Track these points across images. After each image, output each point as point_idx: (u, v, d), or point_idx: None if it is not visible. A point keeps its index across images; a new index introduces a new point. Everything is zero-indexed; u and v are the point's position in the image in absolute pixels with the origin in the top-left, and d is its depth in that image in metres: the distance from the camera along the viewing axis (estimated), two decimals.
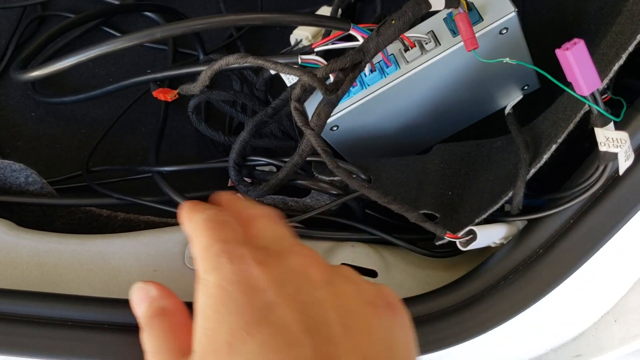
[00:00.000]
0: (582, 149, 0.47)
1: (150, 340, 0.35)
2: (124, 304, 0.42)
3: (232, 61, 0.41)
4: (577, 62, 0.37)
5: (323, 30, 0.68)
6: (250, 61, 0.40)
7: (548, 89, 0.57)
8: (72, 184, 0.58)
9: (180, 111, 0.64)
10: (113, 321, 0.40)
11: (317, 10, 0.73)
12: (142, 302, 0.37)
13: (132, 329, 0.40)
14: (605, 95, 0.41)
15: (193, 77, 0.61)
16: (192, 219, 0.37)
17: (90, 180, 0.54)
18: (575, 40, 0.38)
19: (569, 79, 0.38)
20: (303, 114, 0.42)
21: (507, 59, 0.43)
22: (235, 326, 0.31)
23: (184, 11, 0.72)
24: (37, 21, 0.71)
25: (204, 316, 0.32)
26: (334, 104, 0.43)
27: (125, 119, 0.63)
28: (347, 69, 0.42)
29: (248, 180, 0.52)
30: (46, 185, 0.52)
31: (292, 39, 0.69)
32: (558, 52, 0.37)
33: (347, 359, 0.30)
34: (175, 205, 0.50)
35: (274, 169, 0.55)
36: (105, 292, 0.44)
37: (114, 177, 0.58)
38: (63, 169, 0.60)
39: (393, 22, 0.42)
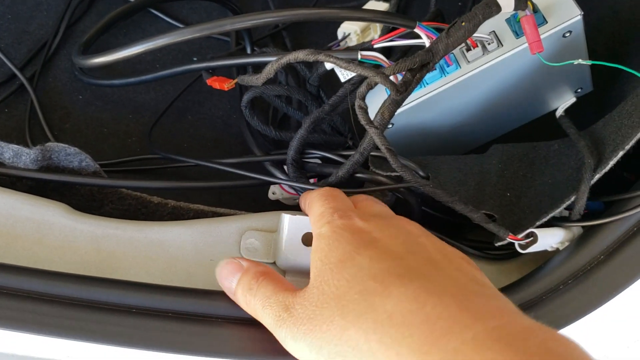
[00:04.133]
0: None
1: (261, 291, 0.38)
2: (184, 292, 0.42)
3: (302, 57, 0.41)
4: None
5: (372, 25, 0.68)
6: (322, 58, 0.40)
7: (597, 94, 0.57)
8: (124, 168, 0.58)
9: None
10: (174, 309, 0.40)
11: (364, 4, 0.73)
12: (235, 272, 0.40)
13: (193, 317, 0.40)
14: None
15: (243, 67, 0.61)
16: (308, 196, 0.43)
17: (164, 155, 0.55)
18: None
19: None
20: (367, 112, 0.42)
21: (579, 60, 0.43)
22: (346, 250, 0.36)
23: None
24: (87, 1, 0.70)
25: (319, 251, 0.37)
26: (399, 104, 0.42)
27: (172, 106, 0.63)
28: (415, 69, 0.41)
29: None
30: (99, 170, 0.52)
31: (340, 32, 0.69)
32: None
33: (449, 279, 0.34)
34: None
35: (319, 161, 0.55)
36: (164, 280, 0.44)
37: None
38: (111, 154, 0.60)
39: (463, 23, 0.41)
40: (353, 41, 0.69)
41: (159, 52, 0.68)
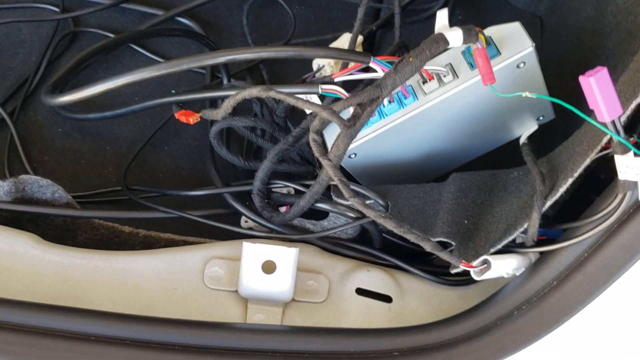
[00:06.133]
0: (598, 179, 0.48)
1: None
2: (147, 320, 0.43)
3: (255, 93, 0.43)
4: (599, 88, 0.38)
5: None
6: (273, 94, 0.42)
7: (565, 120, 0.58)
8: (99, 199, 0.60)
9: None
10: (135, 338, 0.41)
11: (339, 36, 0.75)
12: None
13: (154, 346, 0.41)
14: (632, 139, 0.42)
15: (215, 101, 0.63)
16: None
17: (132, 195, 0.56)
18: (599, 67, 0.39)
19: (591, 106, 0.39)
20: (321, 145, 0.44)
21: (527, 93, 0.44)
22: None
23: (211, 36, 0.74)
24: (69, 37, 0.73)
25: None
26: (352, 136, 0.44)
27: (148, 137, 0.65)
28: (364, 103, 0.43)
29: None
30: (72, 201, 0.54)
31: (315, 64, 0.71)
32: (582, 78, 0.38)
33: None
34: (218, 219, 0.52)
35: (292, 190, 0.56)
36: (126, 308, 0.45)
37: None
38: (87, 185, 0.62)
39: (410, 59, 0.43)
40: (327, 72, 0.71)
41: (137, 85, 0.70)
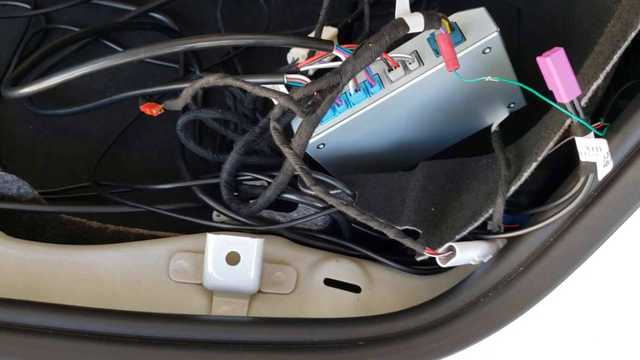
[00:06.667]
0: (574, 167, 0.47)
1: None
2: (107, 313, 0.42)
3: (212, 81, 0.42)
4: (556, 69, 0.37)
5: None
6: (229, 82, 0.41)
7: (538, 108, 0.57)
8: (69, 195, 0.59)
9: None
10: (94, 330, 0.40)
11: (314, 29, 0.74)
12: None
13: (113, 338, 0.40)
14: (598, 123, 0.42)
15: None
16: None
17: (101, 190, 0.55)
18: (556, 48, 0.38)
19: (550, 87, 0.38)
20: (282, 133, 0.43)
21: (489, 77, 0.44)
22: None
23: (186, 31, 0.73)
24: (40, 34, 0.72)
25: None
26: (314, 124, 0.43)
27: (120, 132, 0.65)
28: (324, 90, 0.42)
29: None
30: (38, 197, 0.53)
31: (289, 57, 0.70)
32: (539, 59, 0.38)
33: None
34: (188, 213, 0.52)
35: (265, 183, 0.56)
36: (90, 302, 0.45)
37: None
38: (58, 181, 0.62)
39: (370, 45, 0.42)
40: None
41: (110, 81, 0.70)
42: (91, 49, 0.72)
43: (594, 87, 0.41)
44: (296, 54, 0.70)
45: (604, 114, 0.48)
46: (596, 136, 0.39)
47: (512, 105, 0.56)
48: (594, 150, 0.39)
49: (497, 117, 0.56)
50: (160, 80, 0.71)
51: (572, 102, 0.39)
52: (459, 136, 0.58)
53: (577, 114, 0.39)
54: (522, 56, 0.67)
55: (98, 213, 0.54)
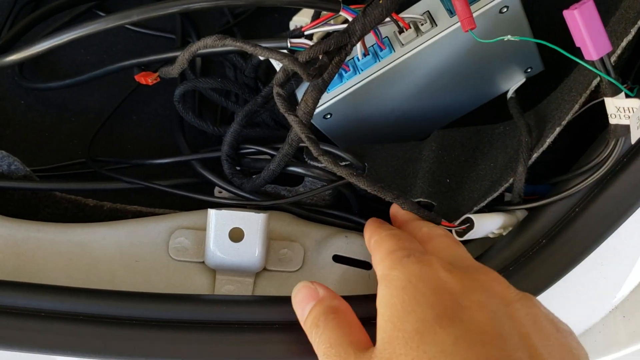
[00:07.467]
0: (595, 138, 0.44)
1: (325, 335, 0.34)
2: (103, 294, 0.40)
3: (210, 43, 0.39)
4: (585, 23, 0.34)
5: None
6: (229, 43, 0.38)
7: (556, 74, 0.54)
8: (64, 172, 0.56)
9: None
10: (89, 312, 0.38)
11: None
12: (309, 300, 0.36)
13: (109, 320, 0.38)
14: (626, 85, 0.38)
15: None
16: (378, 232, 0.38)
17: (97, 167, 0.53)
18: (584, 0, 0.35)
19: (578, 43, 0.35)
20: (286, 100, 0.40)
21: (509, 36, 0.40)
22: (426, 317, 0.30)
23: None
24: (31, 5, 0.69)
25: (389, 307, 0.32)
26: (321, 90, 0.40)
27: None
28: (332, 52, 0.39)
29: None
30: (30, 174, 0.51)
31: (292, 25, 0.67)
32: (566, 12, 0.35)
33: None
34: (189, 189, 0.50)
35: (269, 157, 0.53)
36: (85, 283, 0.42)
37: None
38: (52, 158, 0.59)
39: (381, 1, 0.39)
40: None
41: (105, 54, 0.66)
42: (85, 20, 0.69)
43: (624, 43, 0.37)
44: (299, 21, 0.67)
45: (630, 76, 0.45)
46: (627, 96, 0.36)
47: (529, 70, 0.53)
48: (625, 112, 0.36)
49: (513, 83, 0.53)
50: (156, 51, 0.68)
51: (601, 60, 0.35)
52: (473, 104, 0.55)
53: (608, 72, 0.36)
54: (538, 19, 0.64)
55: (94, 190, 0.51)
